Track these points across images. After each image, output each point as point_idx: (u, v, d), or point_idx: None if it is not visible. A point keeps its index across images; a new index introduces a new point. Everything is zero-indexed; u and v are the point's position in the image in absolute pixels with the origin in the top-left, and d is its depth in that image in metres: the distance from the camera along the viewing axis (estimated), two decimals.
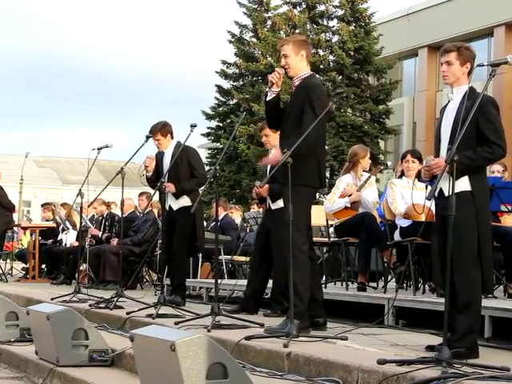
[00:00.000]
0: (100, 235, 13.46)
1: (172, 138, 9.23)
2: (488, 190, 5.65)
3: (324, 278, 9.43)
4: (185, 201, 9.01)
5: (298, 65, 6.67)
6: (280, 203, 8.01)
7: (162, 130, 9.14)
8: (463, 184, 5.29)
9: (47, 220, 15.66)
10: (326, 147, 30.08)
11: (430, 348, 5.42)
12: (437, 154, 5.55)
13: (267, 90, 6.73)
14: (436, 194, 5.36)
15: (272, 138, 8.34)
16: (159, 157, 9.21)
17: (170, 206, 9.01)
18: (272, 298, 8.26)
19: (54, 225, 14.89)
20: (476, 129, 5.26)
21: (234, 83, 34.38)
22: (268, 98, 6.70)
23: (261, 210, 13.34)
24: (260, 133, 8.72)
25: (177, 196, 8.99)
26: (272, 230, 8.11)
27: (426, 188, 6.86)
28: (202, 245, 9.33)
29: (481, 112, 5.20)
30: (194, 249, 9.27)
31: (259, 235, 8.58)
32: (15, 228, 19.38)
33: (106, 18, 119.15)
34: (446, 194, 5.31)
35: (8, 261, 16.67)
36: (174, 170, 8.83)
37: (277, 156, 6.52)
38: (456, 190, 5.09)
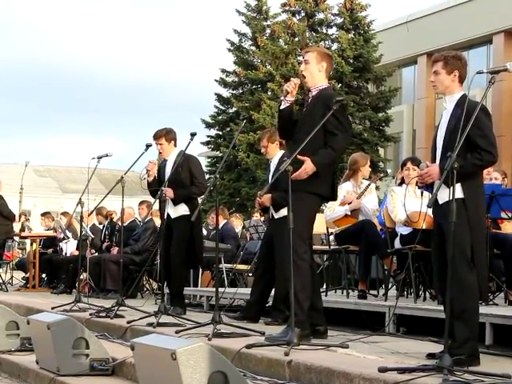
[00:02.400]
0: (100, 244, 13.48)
1: (175, 145, 9.22)
2: (483, 196, 5.64)
3: (325, 286, 9.43)
4: (183, 209, 8.98)
5: (317, 74, 6.68)
6: (283, 212, 8.02)
7: (166, 135, 9.13)
8: (456, 192, 5.29)
9: (48, 229, 15.67)
10: None
11: (431, 356, 5.42)
12: (433, 162, 5.57)
13: (281, 98, 6.74)
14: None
15: (270, 149, 8.42)
16: (162, 165, 9.20)
17: (168, 214, 8.95)
18: (273, 307, 8.26)
19: (55, 234, 14.89)
20: (466, 136, 5.26)
21: (234, 91, 34.39)
22: (282, 107, 6.70)
23: (262, 218, 13.38)
24: (259, 143, 8.76)
25: (175, 202, 8.96)
26: (275, 239, 8.11)
27: (422, 195, 6.90)
28: (201, 257, 9.32)
29: (470, 119, 5.20)
30: (192, 261, 9.24)
31: (263, 244, 8.58)
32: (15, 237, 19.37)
33: (104, 27, 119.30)
34: (440, 202, 5.34)
35: (8, 270, 16.65)
36: (174, 177, 8.80)
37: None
38: (448, 198, 5.12)
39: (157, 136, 9.13)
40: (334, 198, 6.85)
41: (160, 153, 9.22)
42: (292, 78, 6.74)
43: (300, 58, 32.52)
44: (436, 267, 5.59)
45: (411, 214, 7.56)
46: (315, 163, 6.33)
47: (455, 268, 5.13)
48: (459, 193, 5.30)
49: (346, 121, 6.62)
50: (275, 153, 8.44)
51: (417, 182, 8.32)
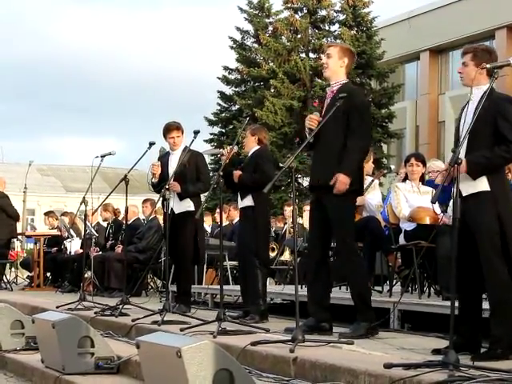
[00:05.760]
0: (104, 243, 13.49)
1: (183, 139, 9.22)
2: (509, 190, 5.60)
3: None
4: (188, 205, 8.94)
5: (337, 69, 6.76)
6: (246, 201, 8.01)
7: (180, 127, 9.13)
8: (482, 184, 5.27)
9: (51, 228, 15.68)
10: None
11: (436, 351, 5.41)
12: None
13: (307, 135, 6.59)
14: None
15: (249, 140, 8.34)
16: (164, 160, 9.16)
17: (171, 210, 8.79)
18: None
19: (59, 233, 14.89)
20: (494, 128, 5.24)
21: (236, 89, 34.38)
22: (311, 140, 6.54)
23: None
24: (243, 133, 8.73)
25: (181, 197, 8.89)
26: (244, 233, 8.09)
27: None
28: (203, 253, 9.41)
29: (498, 111, 5.19)
30: (195, 257, 9.21)
31: (239, 244, 8.52)
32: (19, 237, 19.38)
33: (105, 26, 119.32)
34: (464, 195, 5.33)
35: (13, 269, 16.67)
36: (180, 172, 8.72)
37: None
38: (475, 191, 5.14)
39: (177, 128, 9.06)
40: (362, 193, 7.05)
41: (174, 144, 9.11)
42: (310, 115, 6.65)
43: (303, 55, 32.65)
44: (457, 265, 5.47)
45: (419, 210, 7.56)
46: (347, 174, 6.38)
47: (488, 262, 5.09)
48: (486, 185, 5.29)
49: (367, 119, 6.76)
50: (252, 146, 8.37)
51: (421, 179, 8.41)
